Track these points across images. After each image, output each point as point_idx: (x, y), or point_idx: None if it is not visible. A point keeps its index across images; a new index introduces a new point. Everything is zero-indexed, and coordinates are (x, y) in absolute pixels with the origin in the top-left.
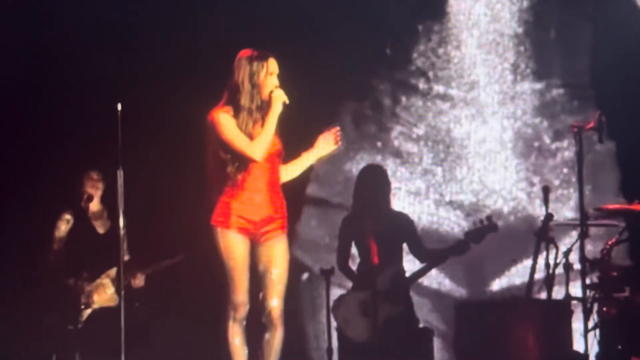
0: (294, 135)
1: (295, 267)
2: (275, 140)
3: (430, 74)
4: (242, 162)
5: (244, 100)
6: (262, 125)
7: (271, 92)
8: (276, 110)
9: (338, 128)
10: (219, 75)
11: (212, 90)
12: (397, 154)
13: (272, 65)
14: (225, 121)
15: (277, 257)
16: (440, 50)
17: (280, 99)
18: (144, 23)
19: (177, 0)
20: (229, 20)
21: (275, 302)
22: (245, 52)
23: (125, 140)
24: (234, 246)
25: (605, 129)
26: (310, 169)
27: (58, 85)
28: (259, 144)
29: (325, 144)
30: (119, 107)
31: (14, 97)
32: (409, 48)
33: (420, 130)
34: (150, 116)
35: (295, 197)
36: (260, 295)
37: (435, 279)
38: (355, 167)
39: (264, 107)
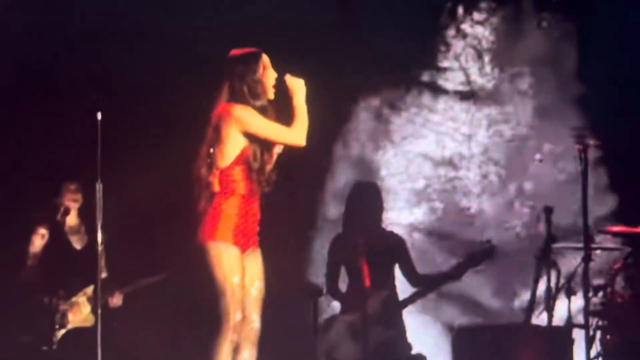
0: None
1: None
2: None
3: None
4: (264, 161)
5: (249, 99)
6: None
7: (286, 82)
8: (301, 93)
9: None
10: (205, 83)
11: (198, 99)
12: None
13: (266, 58)
14: (252, 113)
15: (257, 272)
16: (440, 65)
17: (298, 83)
18: (126, 30)
19: (160, 7)
20: (216, 25)
21: (255, 317)
22: (236, 52)
23: (106, 151)
24: (230, 262)
25: None
26: None
27: (35, 92)
28: (300, 127)
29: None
30: (99, 116)
31: None
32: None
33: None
34: (132, 126)
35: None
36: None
37: (431, 301)
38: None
39: (267, 105)
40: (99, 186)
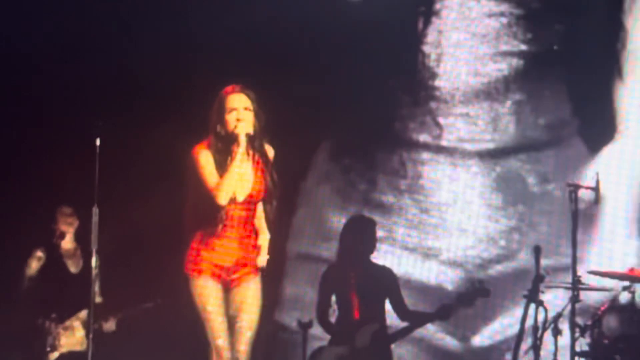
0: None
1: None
2: (259, 182)
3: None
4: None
5: (216, 139)
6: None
7: (234, 128)
8: (239, 147)
9: None
10: (203, 112)
11: (196, 127)
12: (382, 205)
13: (231, 101)
14: (203, 158)
15: (248, 301)
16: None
17: (242, 132)
18: (125, 56)
19: (158, 34)
20: (216, 55)
21: (243, 349)
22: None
23: (103, 176)
24: (207, 294)
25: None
26: None
27: (34, 116)
28: (222, 186)
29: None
30: (98, 142)
31: None
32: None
33: (404, 181)
34: (130, 152)
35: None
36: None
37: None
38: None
39: (231, 145)
40: (95, 210)
